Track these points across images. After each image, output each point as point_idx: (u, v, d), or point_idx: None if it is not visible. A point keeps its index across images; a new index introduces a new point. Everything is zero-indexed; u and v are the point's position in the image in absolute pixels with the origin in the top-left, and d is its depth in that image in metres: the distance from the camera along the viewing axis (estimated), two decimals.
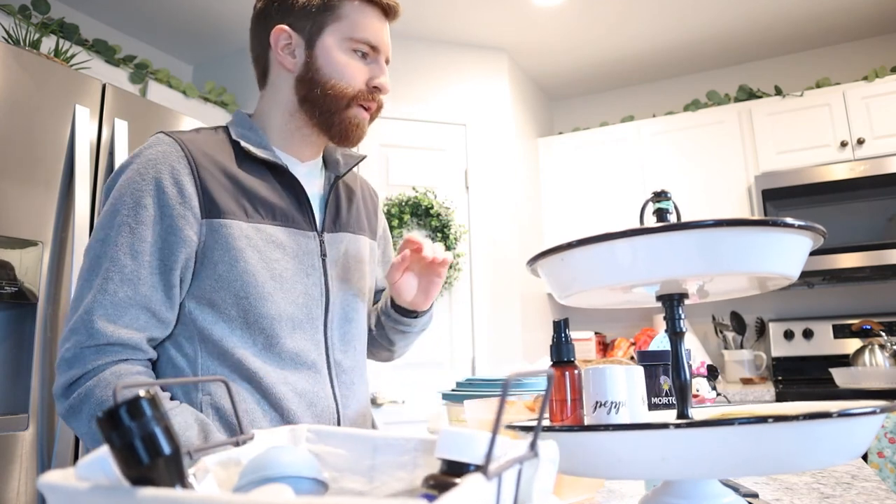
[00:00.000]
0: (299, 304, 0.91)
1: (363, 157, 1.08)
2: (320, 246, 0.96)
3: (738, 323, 2.92)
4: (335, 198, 1.03)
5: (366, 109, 0.96)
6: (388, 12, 0.97)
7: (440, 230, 2.69)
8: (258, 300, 0.87)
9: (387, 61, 0.98)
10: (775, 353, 2.88)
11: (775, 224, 0.56)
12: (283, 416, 0.87)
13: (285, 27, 0.94)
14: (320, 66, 0.93)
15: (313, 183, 1.01)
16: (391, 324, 1.11)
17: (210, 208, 0.86)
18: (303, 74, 0.94)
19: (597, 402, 0.67)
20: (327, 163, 1.06)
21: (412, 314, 1.08)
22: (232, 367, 0.86)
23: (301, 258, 0.93)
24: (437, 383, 2.51)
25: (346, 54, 0.93)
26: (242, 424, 0.50)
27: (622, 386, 0.67)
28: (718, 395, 2.27)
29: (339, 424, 0.93)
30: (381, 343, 1.16)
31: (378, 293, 1.20)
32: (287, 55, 0.95)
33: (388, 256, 1.20)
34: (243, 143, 0.93)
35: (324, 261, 0.96)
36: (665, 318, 0.67)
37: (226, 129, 0.97)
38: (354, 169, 1.11)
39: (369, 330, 1.14)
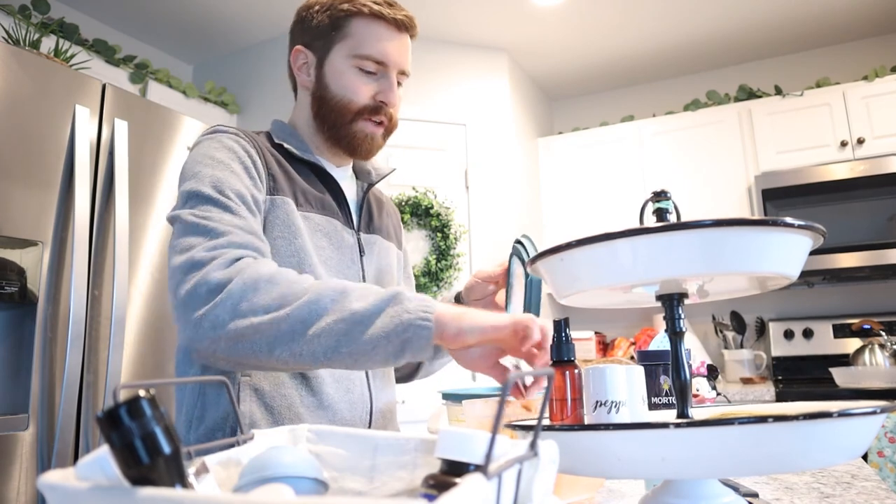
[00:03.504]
0: None
1: (393, 170, 1.13)
2: (358, 243, 1.01)
3: (738, 323, 2.92)
4: (367, 203, 1.08)
5: (377, 124, 0.98)
6: (400, 26, 0.97)
7: (440, 230, 2.69)
8: None
9: (404, 73, 0.99)
10: (775, 352, 2.88)
11: (775, 224, 0.56)
12: (321, 401, 0.89)
13: (301, 48, 0.99)
14: (328, 84, 0.97)
15: (348, 187, 1.06)
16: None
17: (273, 187, 0.91)
18: (315, 92, 0.99)
19: (597, 402, 0.67)
20: (358, 173, 1.11)
21: None
22: None
23: (343, 250, 0.98)
24: (437, 383, 2.51)
25: (352, 71, 0.96)
26: (243, 424, 0.50)
27: (622, 386, 0.67)
28: (718, 394, 2.27)
29: (371, 413, 0.96)
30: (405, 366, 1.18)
31: None
32: (304, 74, 1.00)
33: (407, 272, 1.24)
34: (286, 146, 0.98)
35: (362, 257, 1.01)
36: (665, 317, 0.67)
37: (267, 133, 1.02)
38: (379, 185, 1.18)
39: None
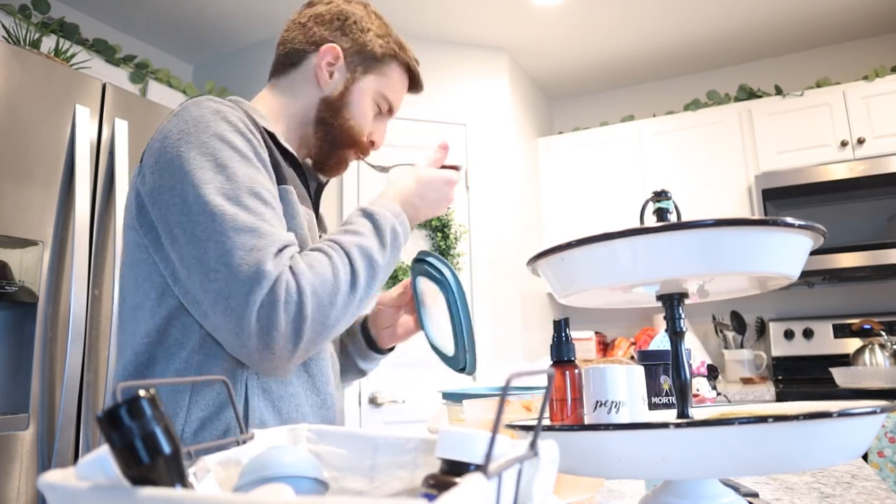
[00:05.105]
0: None
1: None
2: (319, 224, 1.02)
3: (739, 322, 2.92)
4: (317, 199, 1.06)
5: (357, 157, 1.02)
6: (414, 87, 1.06)
7: (440, 230, 2.69)
8: None
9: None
10: (775, 352, 2.88)
11: (775, 224, 0.56)
12: (324, 400, 0.90)
13: (339, 50, 0.96)
14: (350, 102, 0.97)
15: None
16: (355, 356, 1.11)
17: (278, 175, 0.86)
18: (332, 99, 0.96)
19: (597, 402, 0.66)
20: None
21: (379, 350, 1.10)
22: None
23: (313, 234, 0.94)
24: (437, 383, 2.51)
25: (371, 105, 0.99)
26: (242, 424, 0.50)
27: (622, 385, 0.67)
28: (718, 394, 2.27)
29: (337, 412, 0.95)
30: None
31: None
32: (327, 73, 0.96)
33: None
34: (278, 137, 0.91)
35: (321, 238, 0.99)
36: (665, 317, 0.67)
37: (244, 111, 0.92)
38: None
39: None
